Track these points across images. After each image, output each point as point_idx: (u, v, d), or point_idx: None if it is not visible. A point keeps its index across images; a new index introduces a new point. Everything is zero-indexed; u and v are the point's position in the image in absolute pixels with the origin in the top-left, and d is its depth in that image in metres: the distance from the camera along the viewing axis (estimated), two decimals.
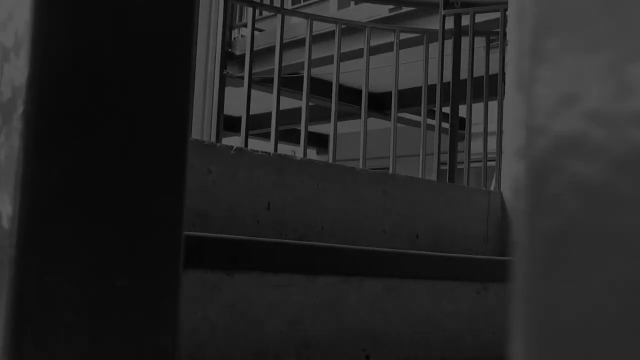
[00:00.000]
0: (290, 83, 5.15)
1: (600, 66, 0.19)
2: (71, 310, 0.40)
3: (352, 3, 5.54)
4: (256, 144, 3.72)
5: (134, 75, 0.45)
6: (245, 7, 4.64)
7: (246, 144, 3.11)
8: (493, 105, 3.31)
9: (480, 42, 3.57)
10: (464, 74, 3.45)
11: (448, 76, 3.52)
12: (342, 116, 4.06)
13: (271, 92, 3.32)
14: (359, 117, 3.49)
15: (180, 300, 0.44)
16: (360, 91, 3.46)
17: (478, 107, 3.38)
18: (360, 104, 3.46)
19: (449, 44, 3.55)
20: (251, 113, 3.29)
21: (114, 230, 0.42)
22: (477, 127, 3.42)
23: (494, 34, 3.55)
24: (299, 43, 4.29)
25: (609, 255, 0.19)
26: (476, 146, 3.44)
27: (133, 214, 0.44)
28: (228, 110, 4.09)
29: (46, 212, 0.38)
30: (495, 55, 3.42)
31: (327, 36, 4.11)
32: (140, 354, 0.41)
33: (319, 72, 5.17)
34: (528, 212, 0.20)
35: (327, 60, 4.16)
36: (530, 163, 0.20)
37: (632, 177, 0.18)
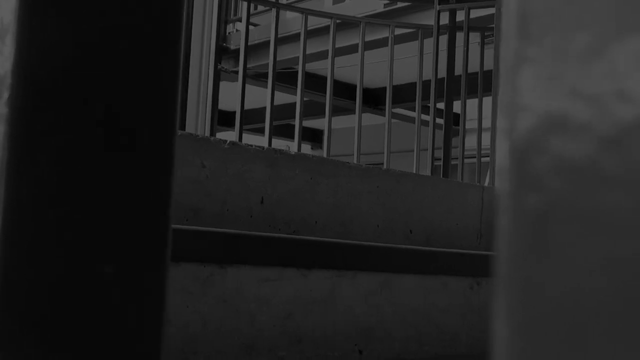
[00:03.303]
0: (284, 78, 5.15)
1: (585, 44, 0.19)
2: (57, 295, 0.40)
3: None
4: (250, 139, 3.71)
5: (121, 64, 0.45)
6: (240, 2, 4.63)
7: (240, 139, 3.11)
8: (487, 101, 3.32)
9: (475, 37, 3.57)
10: (458, 70, 3.45)
11: (443, 72, 3.51)
12: (336, 111, 4.05)
13: (265, 86, 3.31)
14: (353, 112, 3.49)
15: (166, 289, 0.44)
16: (355, 86, 3.46)
17: (472, 103, 3.38)
18: (354, 99, 3.46)
19: (443, 39, 3.55)
20: (245, 108, 3.29)
21: (100, 218, 0.42)
22: (471, 123, 3.42)
23: (489, 30, 3.55)
24: (294, 38, 4.29)
25: (594, 234, 0.19)
26: (470, 142, 3.45)
27: (119, 204, 0.43)
28: (222, 105, 4.09)
29: (32, 200, 0.38)
30: (490, 51, 3.42)
31: (322, 31, 4.11)
32: (126, 341, 0.41)
33: (314, 67, 5.16)
34: (511, 191, 0.20)
35: (322, 55, 4.16)
36: (513, 142, 0.20)
37: (618, 154, 0.18)
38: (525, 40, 0.20)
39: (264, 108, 3.23)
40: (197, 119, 4.97)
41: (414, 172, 3.21)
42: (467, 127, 3.39)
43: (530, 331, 0.19)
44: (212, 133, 3.45)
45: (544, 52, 0.20)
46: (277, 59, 3.35)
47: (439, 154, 3.56)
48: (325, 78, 3.41)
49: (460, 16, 3.51)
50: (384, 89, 3.54)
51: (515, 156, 0.20)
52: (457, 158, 3.41)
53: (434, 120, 3.48)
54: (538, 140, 0.19)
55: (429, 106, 3.54)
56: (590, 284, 0.18)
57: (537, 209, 0.19)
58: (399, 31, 3.70)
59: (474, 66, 3.37)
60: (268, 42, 3.36)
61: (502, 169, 0.20)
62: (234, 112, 3.27)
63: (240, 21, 4.24)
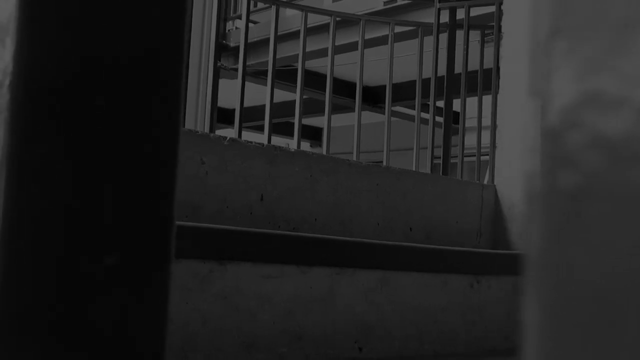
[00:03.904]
0: (284, 75, 5.14)
1: (622, 18, 0.18)
2: (60, 291, 0.39)
3: None
4: (250, 137, 3.70)
5: (124, 60, 0.44)
6: None
7: (240, 136, 3.10)
8: (487, 99, 3.31)
9: (475, 36, 3.57)
10: (458, 68, 3.44)
11: (442, 70, 3.51)
12: (336, 109, 4.05)
13: (265, 84, 3.31)
14: (353, 110, 3.48)
15: (170, 285, 0.43)
16: (355, 84, 3.46)
17: (472, 101, 3.38)
18: (354, 97, 3.45)
19: (443, 37, 3.54)
20: (245, 105, 3.28)
21: (102, 213, 0.41)
22: (471, 121, 3.41)
23: (489, 28, 3.55)
24: (294, 35, 4.28)
25: (632, 213, 0.18)
26: (470, 140, 3.44)
27: (121, 199, 0.43)
28: (222, 103, 4.08)
29: (33, 187, 0.37)
30: (489, 50, 3.42)
31: (322, 29, 4.11)
32: (129, 336, 0.41)
33: (314, 64, 5.15)
34: (544, 171, 0.19)
35: (322, 52, 4.15)
36: (546, 120, 0.19)
37: None
38: (559, 15, 0.19)
39: (264, 105, 3.22)
40: (196, 116, 4.96)
41: (414, 170, 3.20)
42: (466, 125, 3.39)
43: (563, 314, 0.19)
44: (212, 130, 3.44)
45: (578, 26, 0.19)
46: (277, 56, 3.35)
47: (439, 152, 3.55)
48: (325, 76, 3.40)
49: (461, 14, 3.50)
50: (384, 87, 3.54)
51: (548, 134, 0.19)
52: (456, 156, 3.41)
53: (434, 118, 3.48)
54: (573, 118, 0.19)
55: (428, 104, 3.54)
56: (626, 264, 0.18)
57: (571, 187, 0.19)
58: (398, 29, 3.69)
59: (473, 64, 3.37)
60: (268, 40, 3.35)
61: (534, 148, 0.20)
62: (234, 110, 3.27)
63: (240, 18, 4.23)
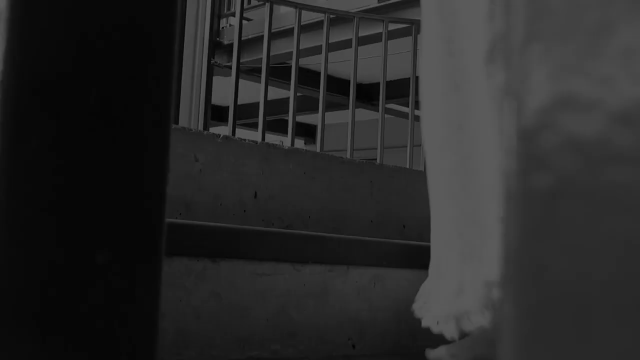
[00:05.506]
0: (278, 73, 5.14)
1: (596, 22, 0.18)
2: (52, 288, 0.39)
3: None
4: (244, 134, 3.70)
5: (116, 55, 0.44)
6: None
7: (233, 134, 3.10)
8: None
9: None
10: None
11: None
12: (330, 107, 4.05)
13: (259, 81, 3.31)
14: (346, 107, 3.48)
15: (161, 282, 0.43)
16: (348, 82, 3.46)
17: None
18: (348, 95, 3.45)
19: None
20: (239, 103, 3.28)
21: (94, 210, 0.42)
22: None
23: None
24: (288, 33, 4.28)
25: (605, 214, 0.18)
26: None
27: (113, 196, 0.43)
28: (216, 100, 4.08)
29: (25, 185, 0.37)
30: None
31: (316, 26, 4.10)
32: (121, 333, 0.41)
33: (307, 62, 5.15)
34: (518, 172, 0.20)
35: (316, 50, 4.15)
36: (521, 122, 0.19)
37: (629, 132, 0.18)
38: (534, 17, 0.20)
39: (258, 103, 3.22)
40: (190, 114, 4.95)
41: (407, 167, 3.21)
42: None
43: (538, 314, 0.19)
44: (206, 127, 3.44)
45: (553, 29, 0.19)
46: (271, 53, 3.35)
47: None
48: (319, 73, 3.40)
49: None
50: (378, 84, 3.54)
51: (523, 136, 0.20)
52: None
53: None
54: (547, 119, 0.19)
55: None
56: (601, 265, 0.18)
57: (545, 188, 0.19)
58: (392, 26, 3.70)
59: None
60: (261, 37, 3.35)
61: (509, 149, 0.20)
62: (227, 107, 3.27)
63: (234, 16, 4.23)
